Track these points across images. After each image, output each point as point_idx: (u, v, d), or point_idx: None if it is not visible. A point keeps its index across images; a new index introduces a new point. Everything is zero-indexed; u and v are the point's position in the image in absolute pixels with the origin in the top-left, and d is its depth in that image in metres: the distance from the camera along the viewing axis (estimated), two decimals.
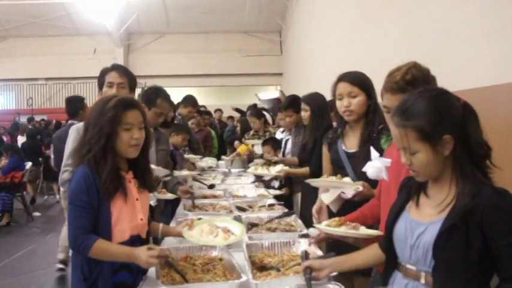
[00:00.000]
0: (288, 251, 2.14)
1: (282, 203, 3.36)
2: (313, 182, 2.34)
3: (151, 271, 1.93)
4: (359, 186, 2.13)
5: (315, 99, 3.60)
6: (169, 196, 3.23)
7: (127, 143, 1.82)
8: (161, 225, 2.24)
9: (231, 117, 10.36)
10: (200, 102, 10.25)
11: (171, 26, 15.17)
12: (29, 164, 8.41)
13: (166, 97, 3.29)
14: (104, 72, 2.73)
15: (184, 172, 3.98)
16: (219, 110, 9.84)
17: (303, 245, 2.15)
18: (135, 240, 1.89)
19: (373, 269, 1.92)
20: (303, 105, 3.59)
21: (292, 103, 4.05)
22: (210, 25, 14.87)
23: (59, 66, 15.26)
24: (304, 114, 3.59)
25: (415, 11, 3.85)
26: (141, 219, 1.94)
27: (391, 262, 1.53)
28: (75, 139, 2.32)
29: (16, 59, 15.29)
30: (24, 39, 15.34)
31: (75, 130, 2.50)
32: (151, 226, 2.13)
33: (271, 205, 3.21)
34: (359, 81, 2.30)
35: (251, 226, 2.57)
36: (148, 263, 1.74)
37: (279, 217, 2.69)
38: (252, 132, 5.76)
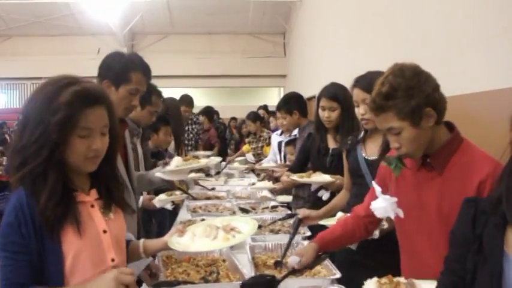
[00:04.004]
0: (291, 253, 2.14)
1: (286, 205, 3.36)
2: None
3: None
4: (384, 223, 1.90)
5: (344, 92, 2.64)
6: (180, 197, 3.13)
7: (82, 155, 1.28)
8: (141, 242, 1.63)
9: (234, 119, 10.39)
10: (203, 103, 10.35)
11: (175, 27, 15.21)
12: None
13: (159, 94, 3.06)
14: (130, 66, 2.05)
15: (191, 175, 3.52)
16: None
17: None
18: None
19: None
20: (326, 102, 2.66)
21: (285, 103, 3.64)
22: (214, 26, 14.90)
23: (63, 65, 15.14)
24: (329, 115, 2.67)
25: (417, 14, 3.86)
26: (113, 260, 1.35)
27: None
28: None
29: (20, 58, 15.35)
30: (28, 38, 15.39)
31: None
32: (130, 249, 1.57)
33: (274, 207, 3.22)
34: (372, 87, 2.11)
35: None
36: None
37: (282, 219, 2.70)
38: (251, 136, 5.92)
